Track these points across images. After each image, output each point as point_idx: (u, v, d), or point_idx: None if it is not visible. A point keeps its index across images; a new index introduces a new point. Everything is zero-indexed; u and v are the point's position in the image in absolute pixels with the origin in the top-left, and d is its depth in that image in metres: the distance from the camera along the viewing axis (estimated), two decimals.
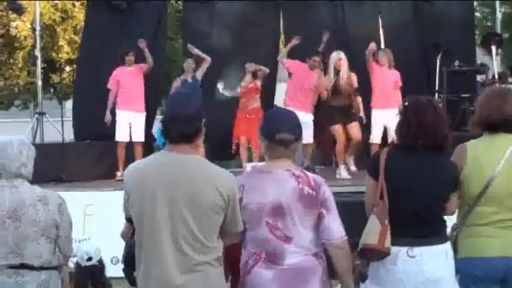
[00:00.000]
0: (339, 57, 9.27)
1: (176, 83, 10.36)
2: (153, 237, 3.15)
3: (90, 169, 10.19)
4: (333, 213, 3.34)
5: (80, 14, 18.52)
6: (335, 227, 3.34)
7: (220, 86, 10.70)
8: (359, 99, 9.47)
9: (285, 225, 3.30)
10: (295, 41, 9.99)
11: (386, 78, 9.56)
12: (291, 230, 3.31)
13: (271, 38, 12.22)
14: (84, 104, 11.42)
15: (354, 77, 9.39)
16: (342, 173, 9.26)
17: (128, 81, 10.03)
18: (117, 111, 10.01)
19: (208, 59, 10.38)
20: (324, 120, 9.58)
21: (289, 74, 10.28)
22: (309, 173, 3.38)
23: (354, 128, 9.33)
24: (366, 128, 9.67)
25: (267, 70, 10.34)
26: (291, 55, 10.22)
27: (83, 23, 18.74)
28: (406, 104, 3.70)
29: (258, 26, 11.99)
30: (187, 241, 3.14)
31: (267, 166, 3.42)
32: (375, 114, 9.52)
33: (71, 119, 11.72)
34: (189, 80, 10.27)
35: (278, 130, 3.32)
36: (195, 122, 3.21)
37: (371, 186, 3.63)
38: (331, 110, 9.29)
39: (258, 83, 10.19)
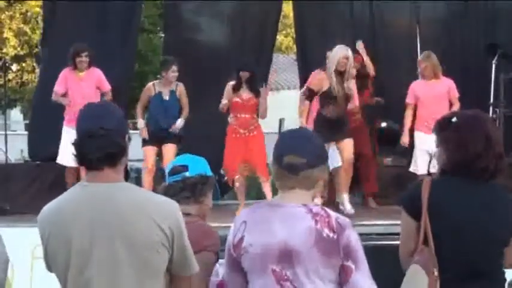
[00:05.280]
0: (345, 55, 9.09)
1: (148, 92, 9.91)
2: None
3: (41, 198, 10.08)
4: (362, 268, 3.26)
5: None
6: (366, 287, 3.27)
7: None
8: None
9: (296, 276, 3.24)
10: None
11: (432, 91, 9.49)
12: (303, 283, 3.24)
13: (268, 32, 12.26)
14: (44, 114, 11.20)
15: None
16: (346, 205, 9.23)
17: (76, 91, 9.73)
18: (64, 128, 9.72)
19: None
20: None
21: None
22: (331, 212, 3.33)
23: (348, 145, 9.26)
24: (404, 155, 9.61)
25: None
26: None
27: (35, 10, 18.97)
28: (453, 120, 3.69)
29: (257, 18, 12.13)
30: None
31: (278, 198, 3.40)
32: (419, 138, 9.51)
33: (18, 132, 11.69)
34: (166, 96, 9.82)
35: (286, 152, 3.31)
36: (118, 137, 3.17)
37: (409, 228, 3.58)
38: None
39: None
